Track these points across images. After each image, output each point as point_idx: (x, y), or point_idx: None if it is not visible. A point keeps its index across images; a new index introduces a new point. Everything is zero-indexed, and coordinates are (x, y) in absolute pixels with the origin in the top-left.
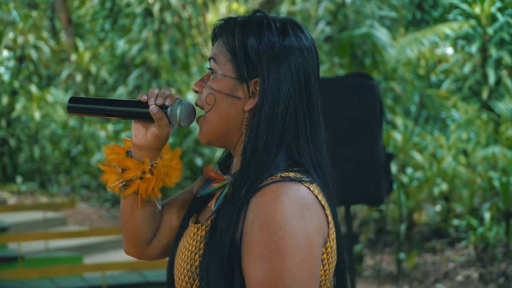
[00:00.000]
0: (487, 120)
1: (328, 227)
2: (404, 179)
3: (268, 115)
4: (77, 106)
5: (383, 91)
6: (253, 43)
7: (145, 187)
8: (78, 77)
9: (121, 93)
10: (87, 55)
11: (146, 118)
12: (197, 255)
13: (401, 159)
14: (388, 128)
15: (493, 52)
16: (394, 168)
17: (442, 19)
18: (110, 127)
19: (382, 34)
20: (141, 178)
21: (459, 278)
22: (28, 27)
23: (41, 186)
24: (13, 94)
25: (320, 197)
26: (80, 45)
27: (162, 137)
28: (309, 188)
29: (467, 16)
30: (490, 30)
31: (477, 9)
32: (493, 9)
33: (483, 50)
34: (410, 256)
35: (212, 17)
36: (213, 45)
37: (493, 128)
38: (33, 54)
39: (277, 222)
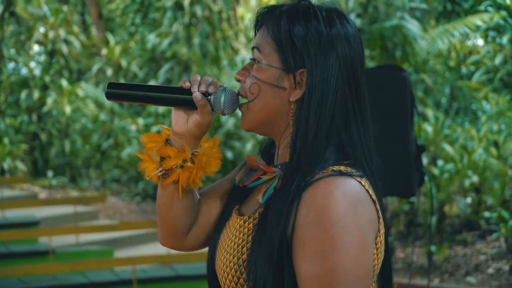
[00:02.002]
0: None
1: (379, 222)
2: (435, 171)
3: (317, 106)
4: (116, 92)
5: (413, 83)
6: (300, 32)
7: (186, 176)
8: (109, 71)
9: None
10: (117, 49)
11: (188, 105)
12: (244, 248)
13: (432, 151)
14: (419, 120)
15: None
16: (425, 160)
17: (473, 11)
18: (141, 121)
19: (412, 26)
20: (181, 166)
21: (490, 270)
22: (59, 22)
23: (71, 180)
24: (44, 88)
25: (370, 191)
26: (111, 39)
27: (204, 125)
28: (360, 182)
29: (498, 7)
30: None
31: (508, 0)
32: None
33: None
34: (441, 249)
35: (242, 11)
36: (255, 33)
37: None
38: (64, 48)
39: (331, 218)
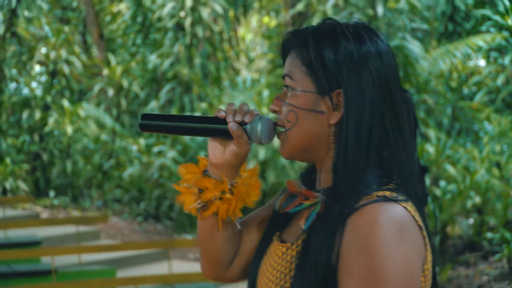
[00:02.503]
0: None
1: (426, 248)
2: (437, 192)
3: (355, 126)
4: (149, 123)
5: (415, 103)
6: (329, 53)
7: (226, 207)
8: (110, 92)
9: (153, 107)
10: (119, 70)
11: (224, 135)
12: (287, 276)
13: (434, 172)
14: (421, 141)
15: None
16: (427, 181)
17: (475, 31)
18: (142, 141)
19: (414, 47)
20: (220, 198)
21: None
22: (60, 42)
23: (73, 200)
24: (46, 108)
25: (416, 217)
26: (112, 59)
27: (242, 155)
28: (405, 208)
29: (500, 27)
30: None
31: (510, 21)
32: None
33: None
34: (443, 270)
35: (243, 31)
36: (284, 61)
37: None
38: (65, 68)
39: (377, 245)
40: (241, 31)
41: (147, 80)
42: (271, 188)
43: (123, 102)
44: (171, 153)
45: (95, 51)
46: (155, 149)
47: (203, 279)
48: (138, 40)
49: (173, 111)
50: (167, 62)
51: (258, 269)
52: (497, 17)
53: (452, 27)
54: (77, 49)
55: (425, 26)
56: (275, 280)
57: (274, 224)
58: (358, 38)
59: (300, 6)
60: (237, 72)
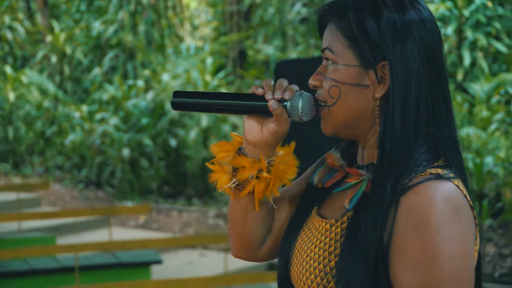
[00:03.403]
0: (461, 101)
1: (476, 229)
2: None
3: (401, 97)
4: (182, 101)
5: None
6: (372, 24)
7: (263, 187)
8: (53, 59)
9: (96, 73)
10: (62, 37)
11: (262, 112)
12: (332, 255)
13: None
14: None
15: (469, 34)
16: None
17: None
18: (85, 108)
19: None
20: (257, 177)
21: None
22: (3, 8)
23: (14, 167)
24: None
25: (467, 196)
26: (56, 26)
27: (281, 133)
28: (458, 187)
29: None
30: (466, 12)
31: None
32: None
33: (459, 32)
34: None
35: None
36: (321, 34)
37: (467, 110)
38: (8, 35)
39: (434, 226)
40: None
41: (91, 47)
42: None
43: (66, 69)
44: (114, 120)
45: (39, 17)
46: (98, 116)
47: (142, 246)
48: (82, 7)
49: (116, 78)
50: (111, 29)
51: (293, 246)
52: None
53: None
54: (20, 15)
55: None
56: (317, 259)
57: (310, 199)
58: (400, 6)
59: None
60: (181, 39)
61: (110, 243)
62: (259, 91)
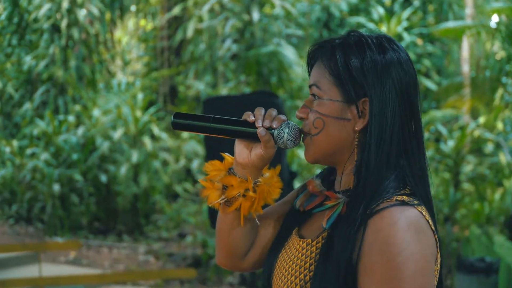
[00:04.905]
0: None
1: (437, 251)
2: None
3: (378, 132)
4: (182, 122)
5: (288, 109)
6: (356, 63)
7: (248, 204)
8: None
9: (27, 108)
10: None
11: (252, 138)
12: (307, 270)
13: (305, 177)
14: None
15: None
16: (297, 185)
17: None
18: (15, 143)
19: (289, 52)
20: (244, 195)
21: None
22: None
23: None
24: None
25: (430, 221)
26: None
27: (267, 158)
28: (421, 213)
29: None
30: None
31: (383, 29)
32: (399, 29)
33: None
34: None
35: (120, 34)
36: (309, 71)
37: None
38: None
39: (397, 246)
40: (117, 34)
41: (22, 81)
42: (144, 192)
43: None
44: (44, 155)
45: None
46: (28, 151)
47: (72, 282)
48: (14, 41)
49: (47, 113)
50: (42, 64)
51: (275, 262)
52: (371, 25)
53: (327, 34)
54: None
55: (300, 32)
56: (294, 273)
57: (292, 220)
58: (382, 48)
59: (176, 10)
60: (112, 74)
61: (40, 279)
62: (251, 119)
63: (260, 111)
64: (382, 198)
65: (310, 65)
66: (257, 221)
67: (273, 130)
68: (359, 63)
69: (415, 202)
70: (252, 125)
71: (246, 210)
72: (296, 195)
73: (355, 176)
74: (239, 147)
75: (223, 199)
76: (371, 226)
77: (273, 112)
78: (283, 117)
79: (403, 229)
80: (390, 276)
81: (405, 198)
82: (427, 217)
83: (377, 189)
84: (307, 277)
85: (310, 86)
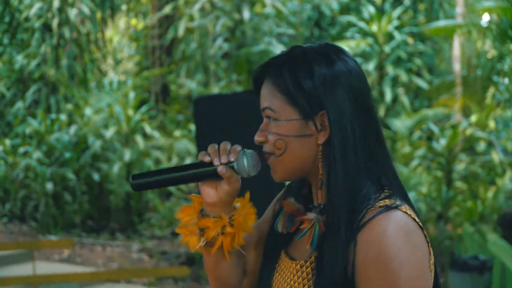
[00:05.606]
0: None
1: (428, 246)
2: None
3: (341, 142)
4: (141, 181)
5: None
6: (306, 80)
7: (229, 240)
8: None
9: (19, 107)
10: None
11: (213, 176)
12: None
13: None
14: None
15: (390, 70)
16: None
17: (340, 37)
18: (8, 142)
19: (279, 51)
20: (222, 233)
21: None
22: None
23: None
24: None
25: (416, 218)
26: None
27: (234, 192)
28: (406, 213)
29: (364, 34)
30: (387, 48)
31: (374, 27)
32: (390, 28)
33: (380, 68)
34: None
35: (111, 33)
36: (257, 93)
37: (389, 145)
38: None
39: (390, 254)
40: (108, 33)
41: (14, 80)
42: (136, 193)
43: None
44: (37, 154)
45: None
46: (21, 149)
47: (66, 280)
48: (5, 40)
49: (39, 112)
50: (33, 63)
51: (270, 285)
52: (362, 24)
53: (318, 33)
54: None
55: (291, 31)
56: None
57: (276, 241)
58: (329, 60)
59: (167, 9)
60: (103, 73)
61: (34, 277)
62: (207, 159)
63: (213, 148)
64: (365, 209)
65: (257, 86)
66: (242, 251)
67: (232, 164)
68: (309, 78)
69: (398, 202)
70: (210, 164)
71: (228, 246)
72: (272, 213)
73: (325, 191)
74: (204, 188)
75: (203, 241)
76: (361, 239)
77: (227, 145)
78: (238, 147)
79: (393, 236)
80: (389, 284)
81: (387, 201)
82: (412, 215)
83: (355, 200)
84: None
85: (263, 110)
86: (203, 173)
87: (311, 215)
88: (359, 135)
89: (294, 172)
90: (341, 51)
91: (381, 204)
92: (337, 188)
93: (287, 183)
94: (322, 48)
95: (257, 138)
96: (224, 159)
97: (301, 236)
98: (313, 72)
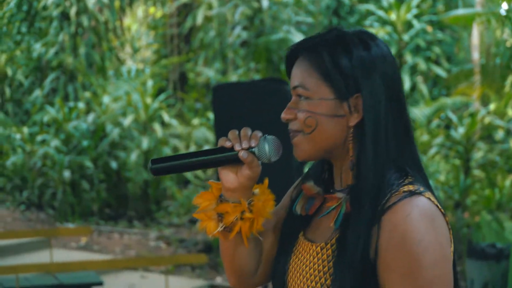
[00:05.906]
0: None
1: (450, 233)
2: None
3: (373, 127)
4: (161, 166)
5: None
6: (345, 60)
7: (248, 225)
8: None
9: (37, 95)
10: (3, 58)
11: (234, 162)
12: (327, 274)
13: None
14: None
15: (409, 58)
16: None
17: (359, 25)
18: (26, 130)
19: (298, 40)
20: (241, 218)
21: None
22: None
23: None
24: None
25: (439, 205)
26: None
27: (255, 177)
28: (429, 199)
29: (383, 22)
30: (406, 37)
31: (393, 16)
32: (409, 16)
33: (399, 56)
34: None
35: (129, 21)
36: (288, 72)
37: None
38: None
39: (414, 239)
40: (126, 21)
41: (32, 68)
42: (154, 178)
43: (7, 91)
44: (54, 142)
45: None
46: (39, 137)
47: (83, 268)
48: (23, 29)
49: (57, 100)
50: (51, 51)
51: (287, 267)
52: (380, 12)
53: (337, 21)
54: None
55: (309, 20)
56: (314, 279)
57: (294, 226)
58: (366, 45)
59: None
60: (122, 62)
61: (51, 265)
62: (228, 144)
63: (234, 134)
64: (390, 193)
65: (289, 66)
66: (260, 237)
67: (253, 149)
68: (348, 60)
69: (421, 189)
70: (231, 149)
71: (247, 231)
72: (290, 199)
73: (354, 173)
74: (224, 173)
75: (222, 226)
76: (385, 223)
77: (248, 131)
78: (259, 133)
79: (417, 221)
80: (411, 268)
81: (411, 187)
82: (436, 201)
83: (382, 183)
84: (328, 281)
85: (293, 88)
86: (224, 158)
87: (340, 194)
88: (390, 121)
89: (321, 151)
90: (376, 38)
91: (405, 190)
92: (366, 172)
93: (305, 171)
94: (359, 33)
95: (284, 115)
96: (245, 144)
97: (326, 213)
98: (352, 53)
